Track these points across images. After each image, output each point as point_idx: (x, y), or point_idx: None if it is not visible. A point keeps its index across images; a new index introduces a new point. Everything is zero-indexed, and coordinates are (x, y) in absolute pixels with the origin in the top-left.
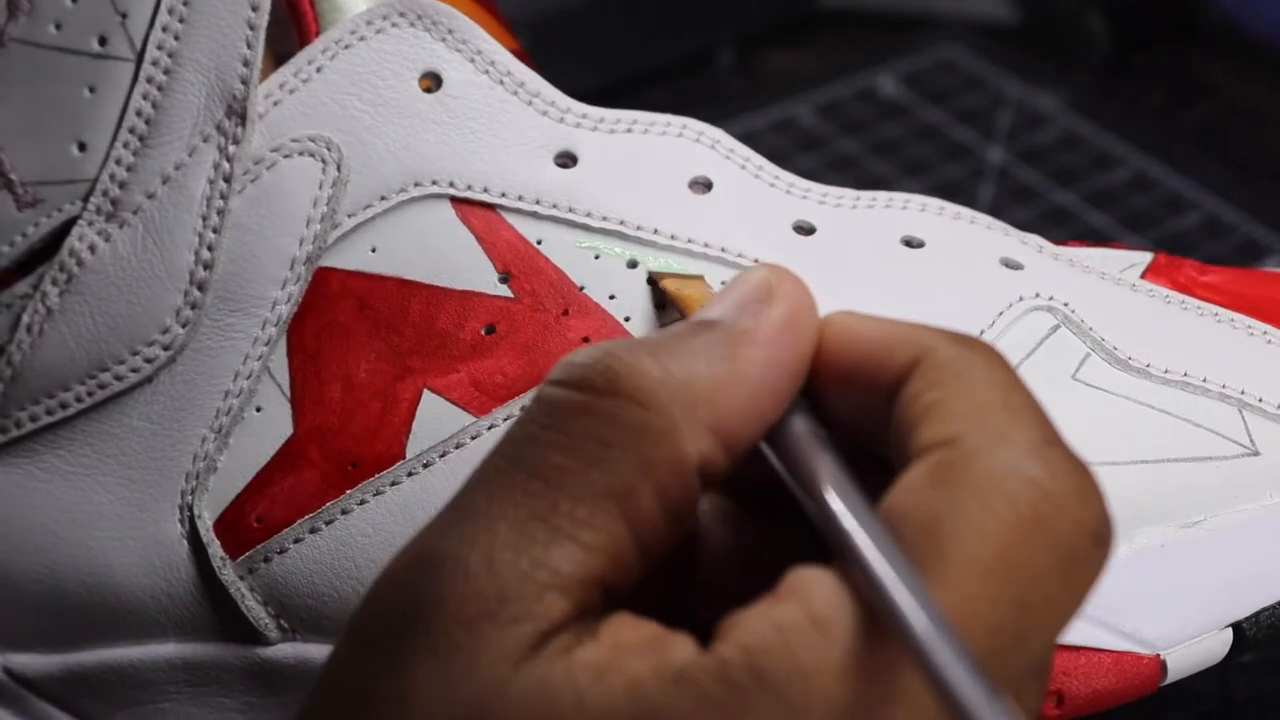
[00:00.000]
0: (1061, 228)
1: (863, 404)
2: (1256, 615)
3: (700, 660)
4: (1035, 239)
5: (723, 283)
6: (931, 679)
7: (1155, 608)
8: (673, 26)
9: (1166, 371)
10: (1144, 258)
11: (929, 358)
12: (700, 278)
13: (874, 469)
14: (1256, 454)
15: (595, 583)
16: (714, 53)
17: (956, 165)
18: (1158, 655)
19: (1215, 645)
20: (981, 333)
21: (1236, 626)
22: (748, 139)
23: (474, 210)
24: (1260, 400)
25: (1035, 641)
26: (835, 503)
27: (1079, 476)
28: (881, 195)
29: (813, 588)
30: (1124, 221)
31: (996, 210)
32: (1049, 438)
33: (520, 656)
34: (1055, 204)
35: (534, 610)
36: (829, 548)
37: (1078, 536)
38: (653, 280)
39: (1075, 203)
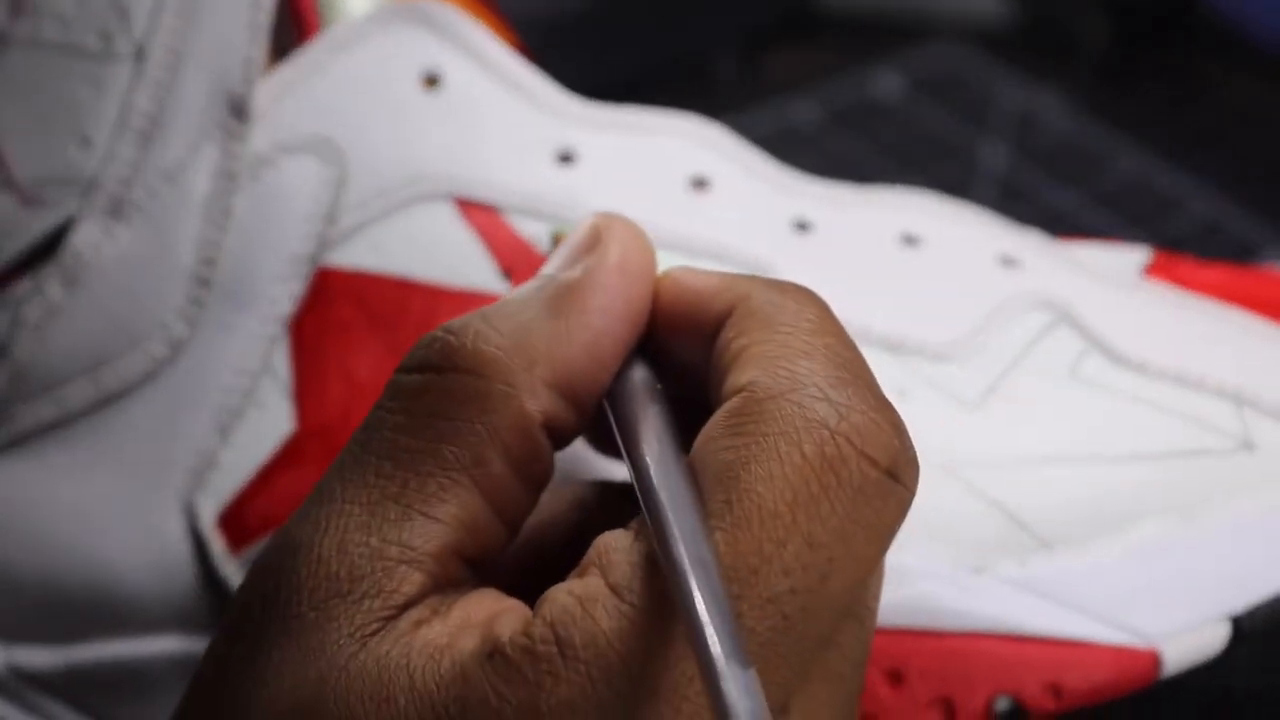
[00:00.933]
0: (1061, 227)
1: (695, 355)
2: (1254, 609)
3: (513, 637)
4: (1034, 236)
5: None
6: (686, 631)
7: (1152, 602)
8: (672, 27)
9: (1164, 368)
10: (1142, 255)
11: (743, 304)
12: None
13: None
14: (1253, 449)
15: (450, 554)
16: (714, 53)
17: (956, 165)
18: (1154, 649)
19: (1213, 639)
20: (979, 330)
21: (1234, 620)
22: (747, 139)
23: (475, 209)
24: (1257, 396)
25: (837, 580)
26: (641, 454)
27: (870, 414)
28: (880, 192)
29: (611, 554)
30: (1124, 221)
31: (996, 210)
32: (842, 378)
33: (370, 633)
34: (1055, 204)
35: (384, 586)
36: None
37: (867, 471)
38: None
39: (1075, 203)
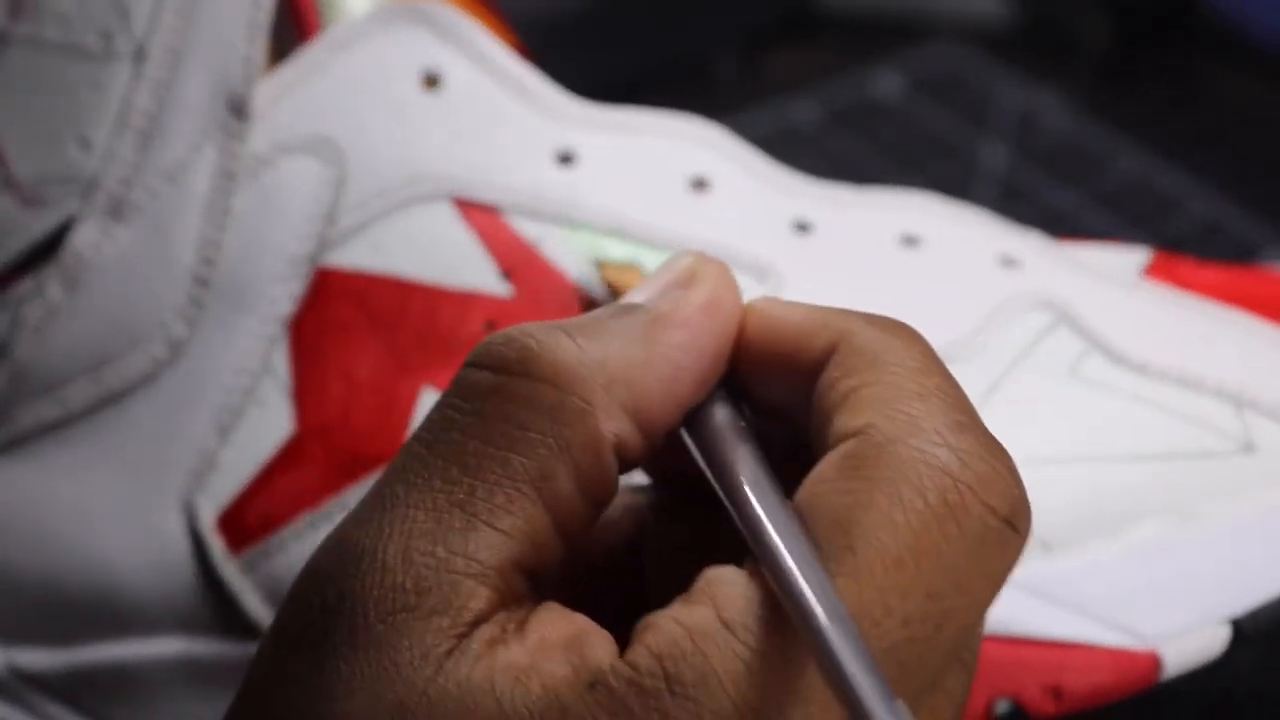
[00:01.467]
0: (1061, 227)
1: (789, 392)
2: (1254, 611)
3: (615, 666)
4: (1034, 236)
5: None
6: (829, 677)
7: (1152, 604)
8: (672, 27)
9: (1164, 368)
10: (1142, 255)
11: (846, 342)
12: (637, 267)
13: (805, 459)
14: (1253, 450)
15: (515, 568)
16: (714, 53)
17: (956, 165)
18: (1155, 651)
19: (1213, 641)
20: (979, 330)
21: (1234, 623)
22: (747, 139)
23: (474, 209)
24: (1257, 397)
25: (951, 628)
26: (746, 495)
27: (990, 461)
28: (880, 193)
29: (724, 587)
30: (1124, 221)
31: (996, 210)
32: (960, 423)
33: (444, 652)
34: (1055, 204)
35: (453, 601)
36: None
37: (988, 521)
38: (601, 269)
39: (1075, 203)
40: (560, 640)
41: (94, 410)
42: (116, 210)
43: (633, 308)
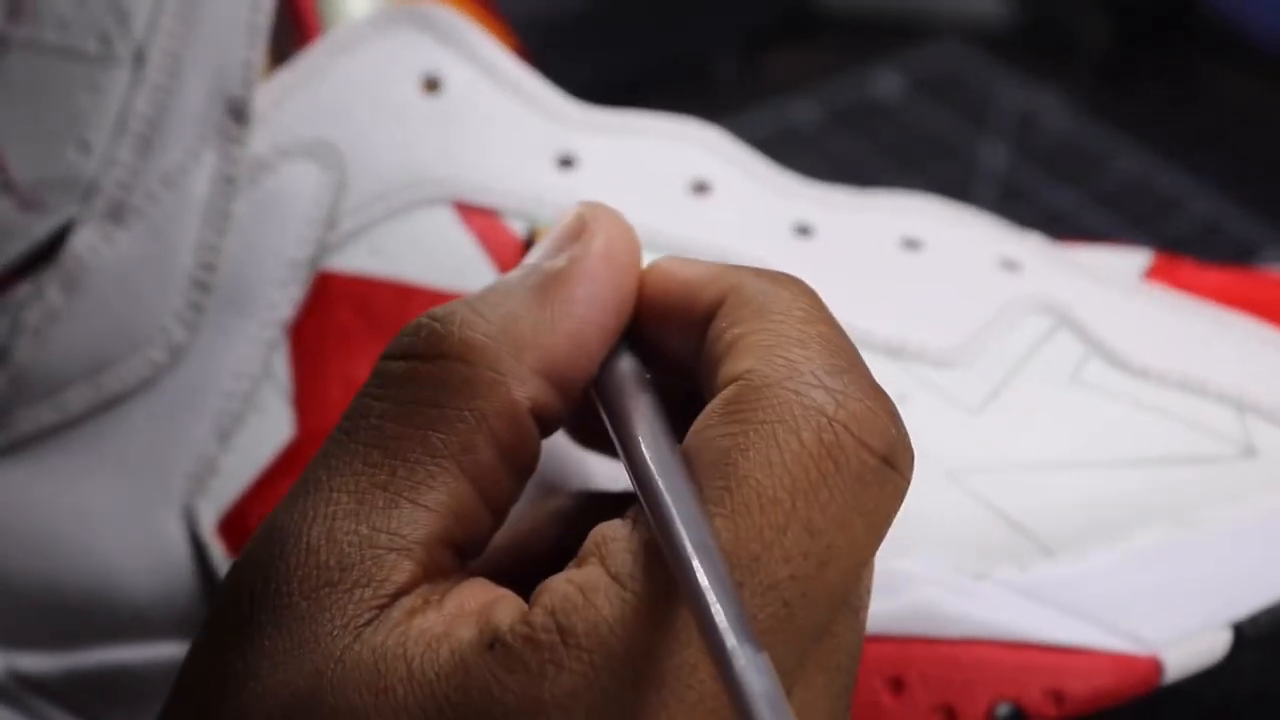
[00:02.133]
0: (1061, 227)
1: (686, 344)
2: (1255, 616)
3: (513, 625)
4: (1035, 239)
5: None
6: (693, 616)
7: (1153, 608)
8: (672, 27)
9: (1165, 373)
10: (1143, 257)
11: (735, 293)
12: None
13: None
14: (1255, 454)
15: (440, 542)
16: (714, 53)
17: (956, 165)
18: (1156, 655)
19: (1214, 645)
20: (980, 334)
21: (1236, 627)
22: (747, 140)
23: (475, 213)
24: (1258, 401)
25: (835, 568)
26: (636, 441)
27: (866, 401)
28: (881, 196)
29: (610, 544)
30: (1124, 221)
31: (996, 210)
32: (838, 366)
33: (364, 622)
34: (1055, 204)
35: (375, 574)
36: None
37: (865, 459)
38: (534, 236)
39: (1075, 203)
40: (475, 608)
41: (94, 414)
42: (116, 214)
43: (530, 269)
